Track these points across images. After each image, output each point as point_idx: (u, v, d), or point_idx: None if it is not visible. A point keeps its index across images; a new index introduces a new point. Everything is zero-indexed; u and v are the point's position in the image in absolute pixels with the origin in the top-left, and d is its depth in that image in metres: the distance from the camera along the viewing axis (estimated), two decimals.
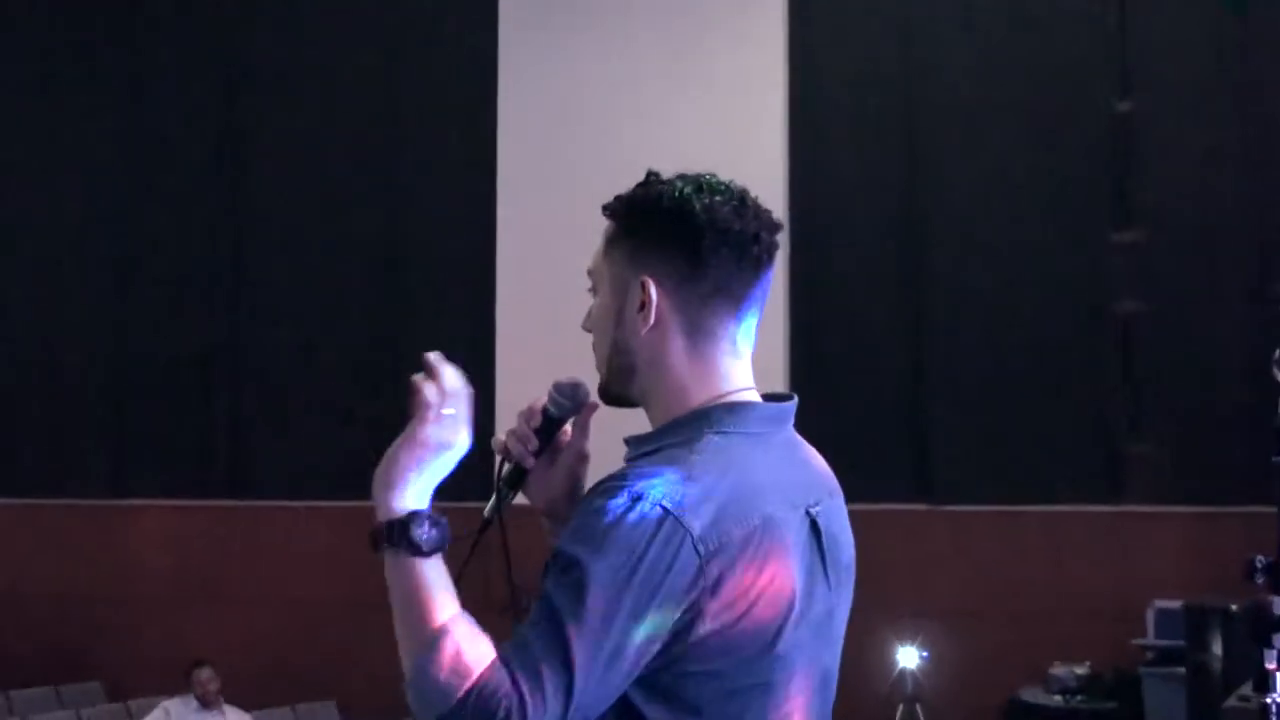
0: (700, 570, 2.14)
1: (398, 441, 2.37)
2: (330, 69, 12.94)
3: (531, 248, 11.72)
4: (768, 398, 2.40)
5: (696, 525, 2.16)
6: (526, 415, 2.50)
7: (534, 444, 2.48)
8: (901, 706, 9.78)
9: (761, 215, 2.35)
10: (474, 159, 12.36)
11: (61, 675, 12.50)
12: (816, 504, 2.33)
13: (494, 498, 2.49)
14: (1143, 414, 11.13)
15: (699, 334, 2.34)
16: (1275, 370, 2.60)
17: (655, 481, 2.19)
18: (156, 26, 13.42)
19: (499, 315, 12.08)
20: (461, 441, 2.35)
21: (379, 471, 2.36)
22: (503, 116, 12.23)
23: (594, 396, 2.49)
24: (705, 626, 2.16)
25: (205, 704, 10.78)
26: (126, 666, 12.61)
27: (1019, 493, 11.14)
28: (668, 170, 2.46)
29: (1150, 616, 10.15)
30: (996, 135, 11.43)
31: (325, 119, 12.98)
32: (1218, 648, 9.02)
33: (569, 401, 2.48)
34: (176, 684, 11.06)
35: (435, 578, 2.27)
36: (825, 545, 2.31)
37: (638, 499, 2.17)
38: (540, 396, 2.52)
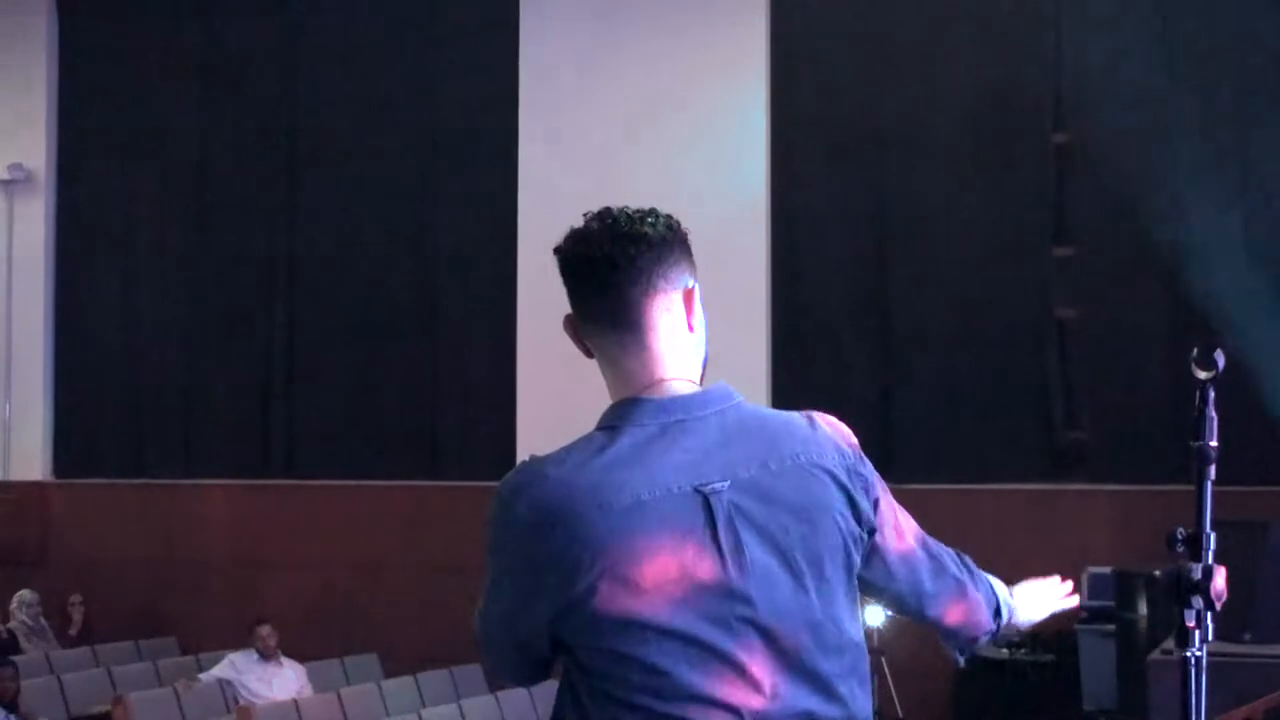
0: (530, 550, 2.16)
1: None
2: (373, 117, 12.94)
3: (547, 254, 11.68)
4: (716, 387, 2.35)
5: (528, 512, 2.16)
6: None
7: None
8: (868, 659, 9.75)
9: (614, 232, 2.32)
10: (498, 185, 12.36)
11: (140, 632, 12.51)
12: (723, 481, 2.21)
13: None
14: (1077, 405, 11.12)
15: (599, 351, 2.35)
16: (1192, 367, 2.58)
17: (515, 473, 2.23)
18: (226, 71, 13.43)
19: (520, 308, 12.10)
20: None
21: None
22: (523, 144, 12.25)
23: None
24: (557, 601, 2.15)
25: (265, 656, 10.76)
26: (196, 624, 12.61)
27: (970, 473, 11.13)
28: (661, 201, 2.46)
29: (1084, 580, 10.12)
30: (952, 163, 11.42)
31: (369, 155, 12.96)
32: (1143, 608, 9.01)
33: None
34: (240, 639, 11.05)
35: None
36: (720, 521, 2.19)
37: (499, 486, 2.24)
38: None
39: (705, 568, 2.17)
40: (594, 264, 2.31)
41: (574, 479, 2.17)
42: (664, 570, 2.15)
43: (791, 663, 2.22)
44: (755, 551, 2.21)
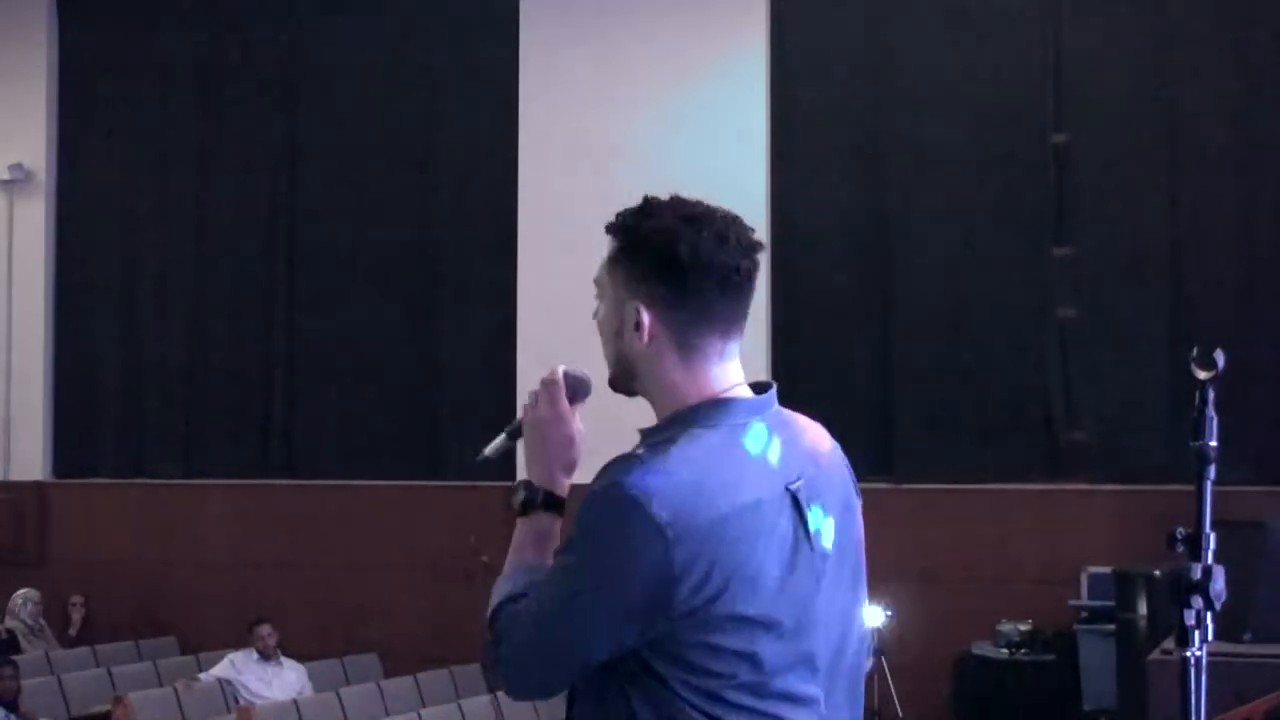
0: (666, 554, 2.11)
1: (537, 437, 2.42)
2: (373, 117, 12.93)
3: (546, 256, 11.72)
4: (754, 386, 2.34)
5: (664, 513, 2.12)
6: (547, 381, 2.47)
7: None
8: (869, 659, 9.76)
9: (744, 242, 2.28)
10: (498, 185, 12.34)
11: (140, 632, 12.50)
12: (798, 479, 2.25)
13: (497, 439, 2.48)
14: (1077, 405, 11.12)
15: (688, 349, 2.29)
16: (1192, 367, 2.58)
17: (633, 473, 2.16)
18: (226, 71, 13.42)
19: (519, 311, 12.08)
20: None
21: (531, 458, 2.41)
22: (523, 144, 12.25)
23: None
24: (682, 605, 2.12)
25: (265, 656, 10.77)
26: (196, 623, 12.59)
27: (970, 473, 11.13)
28: (664, 192, 2.43)
29: (1084, 580, 10.14)
30: (952, 163, 11.41)
31: (369, 154, 12.95)
32: (1142, 608, 9.01)
33: (573, 391, 2.47)
34: (240, 639, 11.05)
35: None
36: (807, 516, 2.24)
37: (613, 488, 2.16)
38: (556, 368, 2.49)
39: (797, 563, 2.22)
40: (726, 271, 2.27)
41: (704, 480, 2.17)
42: (773, 568, 2.19)
43: (838, 660, 2.30)
44: (823, 547, 2.27)
